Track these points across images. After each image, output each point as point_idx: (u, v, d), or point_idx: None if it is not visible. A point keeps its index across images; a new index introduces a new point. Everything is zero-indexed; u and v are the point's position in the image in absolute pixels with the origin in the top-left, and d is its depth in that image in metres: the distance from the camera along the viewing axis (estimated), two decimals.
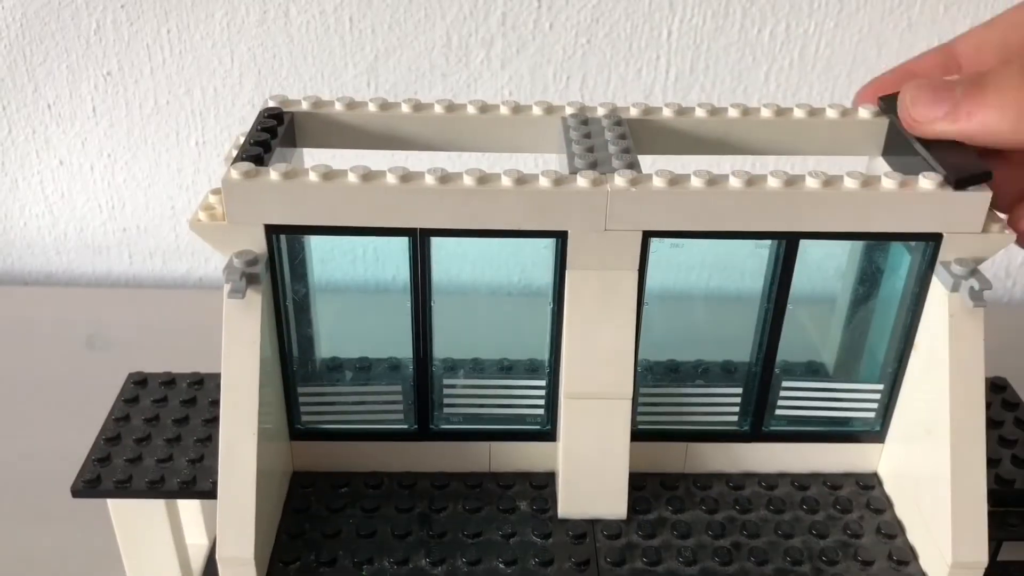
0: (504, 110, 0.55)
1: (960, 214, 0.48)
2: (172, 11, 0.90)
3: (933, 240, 0.49)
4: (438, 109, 0.55)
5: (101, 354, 0.88)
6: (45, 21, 0.91)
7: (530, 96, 0.94)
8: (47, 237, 1.03)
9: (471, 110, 0.55)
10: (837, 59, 0.91)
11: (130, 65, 0.93)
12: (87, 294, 1.01)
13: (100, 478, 0.53)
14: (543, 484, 0.55)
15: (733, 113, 0.55)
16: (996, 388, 0.64)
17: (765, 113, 0.55)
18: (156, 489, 0.53)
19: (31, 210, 1.01)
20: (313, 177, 0.47)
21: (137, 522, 0.55)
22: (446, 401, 0.55)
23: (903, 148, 0.53)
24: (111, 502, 0.54)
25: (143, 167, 0.98)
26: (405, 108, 0.55)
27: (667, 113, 0.55)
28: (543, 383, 0.55)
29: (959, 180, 0.47)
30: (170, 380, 0.60)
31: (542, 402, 0.55)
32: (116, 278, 1.05)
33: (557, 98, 0.94)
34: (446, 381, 0.55)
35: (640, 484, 0.55)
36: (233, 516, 0.47)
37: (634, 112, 0.55)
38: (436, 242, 0.49)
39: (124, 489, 0.53)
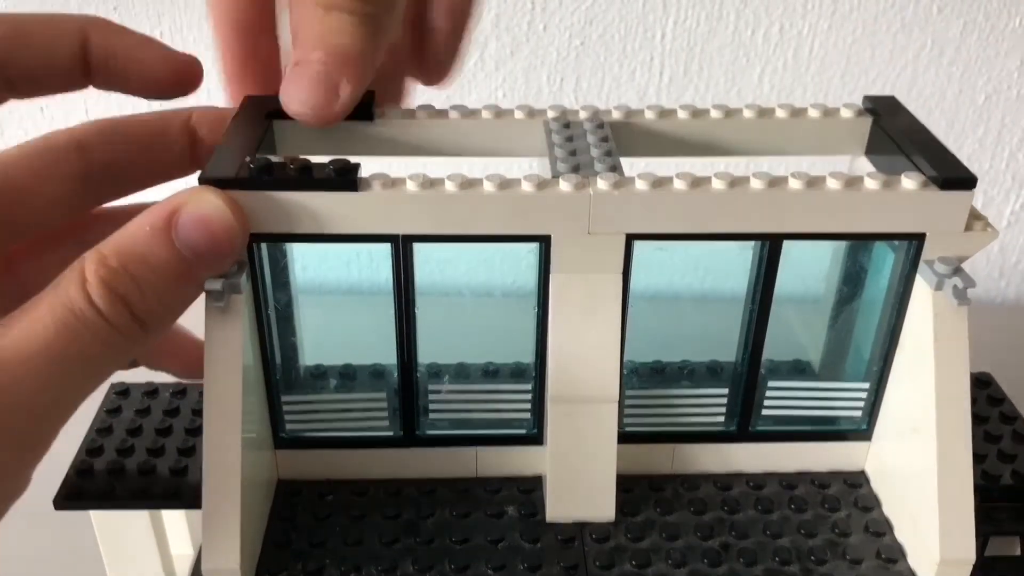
0: (486, 114, 0.55)
1: (943, 213, 0.48)
2: (165, 13, 0.90)
3: (916, 239, 0.49)
4: (420, 114, 0.55)
5: None
6: None
7: (524, 98, 0.94)
8: None
9: (453, 115, 0.55)
10: (831, 60, 0.92)
11: None
12: None
13: (82, 490, 0.52)
14: (531, 488, 0.55)
15: (716, 114, 0.55)
16: (981, 384, 0.64)
17: (748, 114, 0.55)
18: (139, 500, 0.52)
19: None
20: None
21: (121, 533, 0.54)
22: (431, 407, 0.55)
23: (886, 147, 0.53)
24: (94, 514, 0.53)
25: None
26: (387, 114, 0.55)
27: (649, 115, 0.55)
28: (529, 387, 0.54)
29: (945, 180, 0.47)
30: (152, 390, 0.60)
31: (528, 406, 0.55)
32: None
33: (551, 100, 0.94)
34: (431, 387, 0.54)
35: (628, 486, 0.55)
36: (218, 527, 0.47)
37: (616, 115, 0.55)
38: (419, 248, 0.49)
39: (107, 500, 0.52)
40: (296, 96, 0.46)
